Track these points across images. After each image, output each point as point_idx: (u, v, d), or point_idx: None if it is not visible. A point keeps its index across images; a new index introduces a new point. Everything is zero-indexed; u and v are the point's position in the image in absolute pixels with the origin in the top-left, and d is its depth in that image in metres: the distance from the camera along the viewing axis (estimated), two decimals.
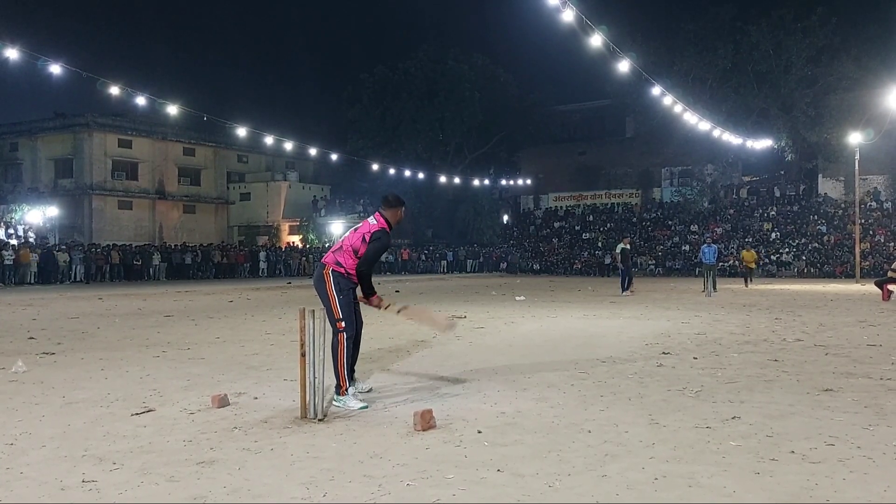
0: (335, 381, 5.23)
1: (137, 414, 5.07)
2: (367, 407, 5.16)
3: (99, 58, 66.96)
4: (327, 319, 5.25)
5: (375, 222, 5.47)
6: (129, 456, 4.02)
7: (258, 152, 48.10)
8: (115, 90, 19.80)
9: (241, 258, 36.19)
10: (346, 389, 5.22)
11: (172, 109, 22.78)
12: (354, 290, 5.44)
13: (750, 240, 38.02)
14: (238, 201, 49.62)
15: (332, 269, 5.36)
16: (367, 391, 5.65)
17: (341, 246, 5.44)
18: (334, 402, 5.21)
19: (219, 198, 48.91)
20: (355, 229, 5.54)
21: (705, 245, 21.68)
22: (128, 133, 43.42)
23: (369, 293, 5.45)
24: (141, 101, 21.08)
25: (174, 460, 3.93)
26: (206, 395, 5.51)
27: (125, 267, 30.55)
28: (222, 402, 5.25)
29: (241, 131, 27.69)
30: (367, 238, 5.37)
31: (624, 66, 19.98)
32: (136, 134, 43.72)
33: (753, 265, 24.21)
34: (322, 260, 5.51)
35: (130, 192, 43.77)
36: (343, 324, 5.29)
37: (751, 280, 23.64)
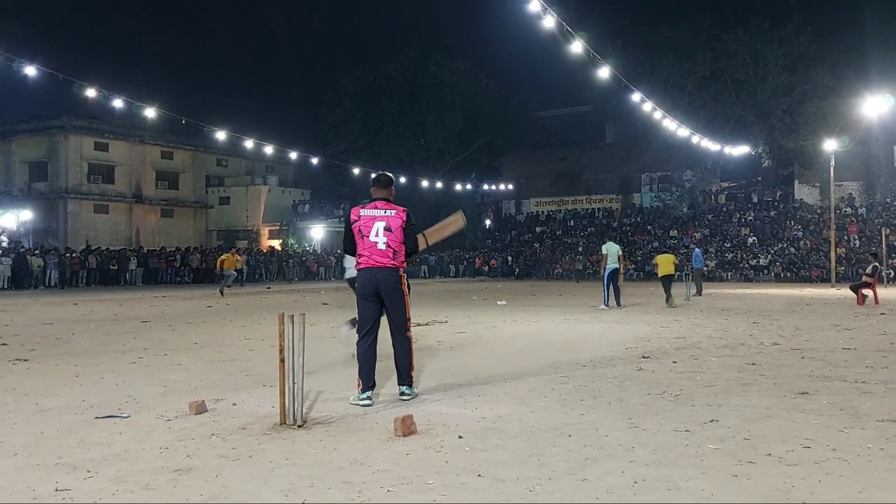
0: (406, 377, 5.66)
1: (101, 417, 5.05)
2: (421, 393, 5.82)
3: (75, 59, 66.26)
4: (396, 324, 5.61)
5: (394, 212, 5.56)
6: (103, 464, 3.96)
7: (237, 156, 47.80)
8: (91, 92, 19.58)
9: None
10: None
11: (150, 112, 22.58)
12: None
13: (723, 239, 38.37)
14: (217, 205, 49.25)
15: (403, 270, 5.65)
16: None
17: (391, 247, 5.50)
18: (405, 395, 5.62)
19: (197, 202, 48.52)
20: (387, 228, 5.49)
21: (699, 248, 22.18)
22: (104, 136, 42.93)
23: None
24: (118, 103, 20.87)
25: (150, 468, 3.87)
26: (184, 402, 5.45)
27: (101, 272, 30.21)
28: (200, 408, 5.20)
29: (220, 134, 27.49)
30: (405, 226, 5.56)
31: (604, 72, 20.14)
32: (113, 137, 43.23)
33: (672, 271, 17.43)
34: (385, 264, 5.50)
35: (107, 196, 43.28)
36: (409, 322, 5.74)
37: (670, 295, 16.88)
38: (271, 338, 8.99)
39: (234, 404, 5.51)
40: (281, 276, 37.72)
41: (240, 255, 24.00)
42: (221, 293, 21.18)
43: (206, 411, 5.21)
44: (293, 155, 33.77)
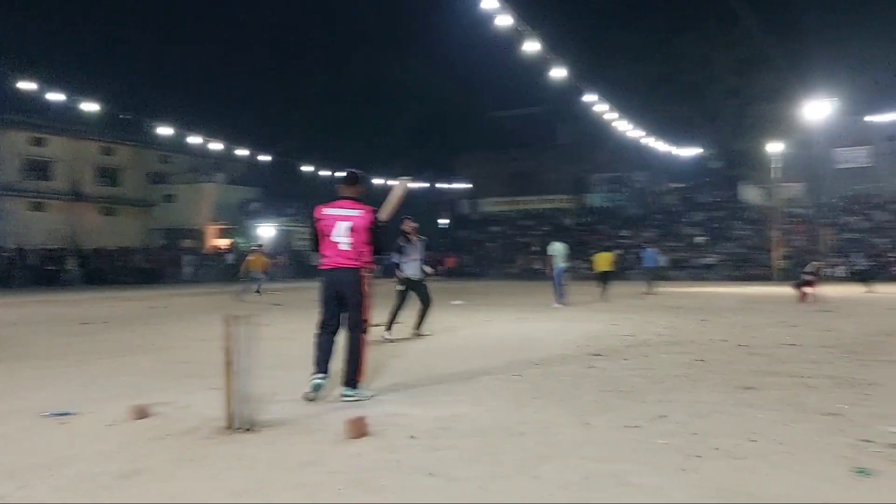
0: (350, 378, 5.48)
1: (46, 416, 4.91)
2: (373, 394, 5.65)
3: (8, 51, 63.76)
4: (351, 323, 5.53)
5: (360, 212, 5.52)
6: (43, 470, 3.81)
7: (183, 152, 46.48)
8: (26, 85, 18.90)
9: (164, 263, 35.20)
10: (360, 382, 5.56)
11: (90, 107, 21.94)
12: None
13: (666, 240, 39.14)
14: (161, 203, 47.99)
15: (366, 270, 5.58)
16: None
17: (355, 248, 5.47)
18: (346, 397, 5.44)
19: (140, 200, 47.23)
20: (352, 228, 5.47)
21: (651, 248, 22.76)
22: (40, 131, 41.30)
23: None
24: (55, 97, 20.21)
25: (94, 473, 3.75)
26: (128, 405, 5.27)
27: (39, 272, 29.29)
28: (144, 411, 5.05)
29: (165, 130, 26.82)
30: (372, 227, 5.52)
31: (556, 73, 20.31)
32: (50, 132, 41.57)
33: (610, 268, 19.58)
34: (347, 265, 5.48)
35: (43, 194, 41.71)
36: (367, 324, 5.60)
37: (605, 288, 18.94)
38: (218, 339, 8.79)
39: (182, 407, 5.38)
40: (229, 276, 37.10)
41: (266, 256, 20.11)
42: (249, 296, 18.76)
43: (152, 415, 5.07)
44: (242, 152, 33.10)
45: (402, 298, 10.04)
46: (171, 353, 8.46)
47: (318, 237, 5.57)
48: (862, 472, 3.61)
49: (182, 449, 4.21)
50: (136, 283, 32.28)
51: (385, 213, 6.26)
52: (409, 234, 9.98)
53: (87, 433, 4.63)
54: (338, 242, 5.45)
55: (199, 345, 9.29)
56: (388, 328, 9.76)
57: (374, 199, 6.08)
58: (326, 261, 5.53)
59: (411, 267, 9.92)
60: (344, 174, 5.81)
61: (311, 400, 5.45)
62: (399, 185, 6.66)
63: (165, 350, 8.81)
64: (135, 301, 19.36)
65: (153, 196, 47.98)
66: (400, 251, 9.90)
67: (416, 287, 10.02)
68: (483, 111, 50.46)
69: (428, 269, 10.27)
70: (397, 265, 9.91)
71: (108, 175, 45.44)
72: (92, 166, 44.40)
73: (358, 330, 5.57)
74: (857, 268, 24.89)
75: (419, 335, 10.03)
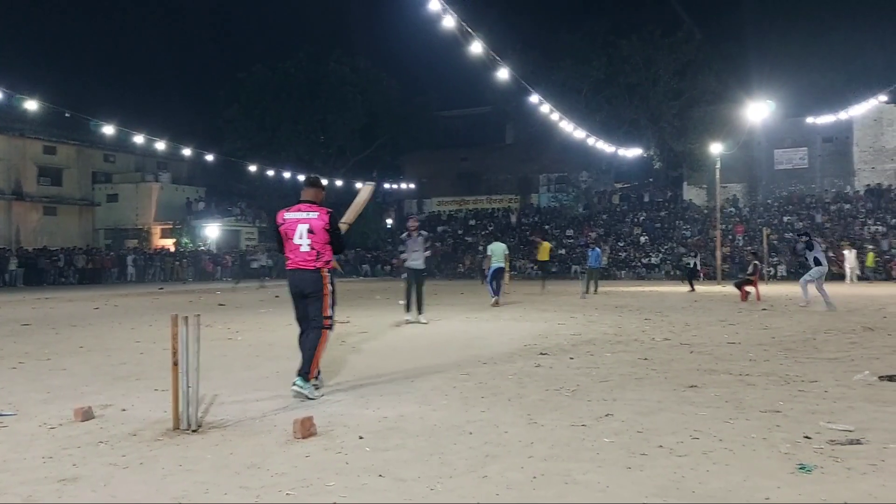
0: (303, 369, 5.54)
1: None
2: (323, 395, 5.68)
3: None
4: (311, 318, 5.65)
5: (317, 214, 5.64)
6: None
7: (127, 151, 45.52)
8: None
9: (107, 263, 34.26)
10: (314, 377, 5.67)
11: (31, 104, 21.22)
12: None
13: (610, 236, 39.83)
14: (104, 203, 46.78)
15: (329, 269, 5.71)
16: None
17: (315, 249, 5.60)
18: (296, 386, 5.50)
19: (83, 199, 45.93)
20: (310, 230, 5.61)
21: (598, 248, 23.17)
22: None
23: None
24: None
25: (32, 478, 3.64)
26: (69, 408, 5.15)
27: None
28: (86, 414, 4.93)
29: (108, 129, 26.07)
30: (328, 228, 5.64)
31: (503, 73, 20.43)
32: None
33: (548, 258, 21.74)
34: (308, 266, 5.61)
35: None
36: (330, 321, 5.72)
37: (545, 282, 21.47)
38: (163, 340, 8.62)
39: (124, 410, 5.26)
40: (174, 276, 36.39)
41: None
42: None
43: (94, 418, 4.95)
44: (186, 151, 32.37)
45: (409, 284, 11.87)
46: (115, 355, 8.25)
47: (281, 240, 5.75)
48: (803, 467, 3.72)
49: (125, 452, 4.12)
50: (80, 283, 31.42)
51: (349, 215, 6.34)
52: (411, 230, 11.75)
53: (27, 436, 4.50)
54: (299, 245, 5.62)
55: (143, 346, 9.09)
56: (407, 310, 11.87)
57: (324, 199, 6.07)
58: (289, 262, 5.71)
59: (412, 258, 11.70)
60: (305, 178, 6.03)
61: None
62: (364, 190, 6.76)
63: (108, 351, 8.59)
64: (78, 302, 18.82)
65: (97, 195, 46.76)
66: (402, 242, 11.83)
67: (416, 276, 11.81)
68: (430, 110, 50.51)
69: (426, 253, 11.91)
70: (402, 253, 11.95)
71: (51, 174, 44.12)
72: (33, 165, 43.04)
73: (317, 327, 5.68)
74: (687, 266, 25.53)
75: (418, 322, 11.71)
